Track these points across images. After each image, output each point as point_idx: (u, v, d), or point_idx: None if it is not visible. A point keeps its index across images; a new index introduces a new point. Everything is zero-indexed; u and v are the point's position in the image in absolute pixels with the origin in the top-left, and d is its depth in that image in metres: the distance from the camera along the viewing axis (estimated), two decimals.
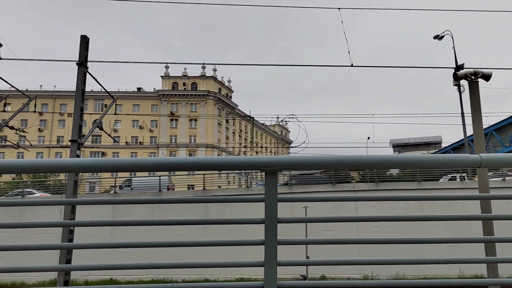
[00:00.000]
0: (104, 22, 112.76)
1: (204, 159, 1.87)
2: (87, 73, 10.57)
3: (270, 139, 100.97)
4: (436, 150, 58.31)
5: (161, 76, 70.74)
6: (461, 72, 4.47)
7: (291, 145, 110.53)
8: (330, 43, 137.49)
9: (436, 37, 24.40)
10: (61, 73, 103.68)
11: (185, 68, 71.77)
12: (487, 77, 4.37)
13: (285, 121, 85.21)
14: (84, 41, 10.22)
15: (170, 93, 69.67)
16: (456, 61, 22.78)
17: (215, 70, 70.96)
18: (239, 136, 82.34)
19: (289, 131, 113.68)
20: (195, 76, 70.57)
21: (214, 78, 70.85)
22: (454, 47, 23.26)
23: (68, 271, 9.40)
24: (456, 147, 50.64)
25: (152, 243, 1.92)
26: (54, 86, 72.52)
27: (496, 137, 43.37)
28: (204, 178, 22.63)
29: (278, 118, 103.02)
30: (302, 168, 1.91)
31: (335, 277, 20.82)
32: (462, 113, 22.50)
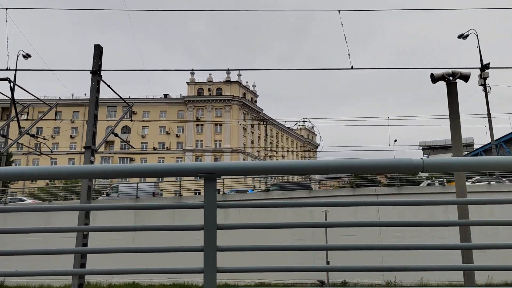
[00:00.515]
0: (135, 32, 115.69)
1: (146, 166, 1.91)
2: (101, 81, 10.88)
3: (296, 143, 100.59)
4: (468, 152, 56.53)
5: (186, 82, 71.85)
6: (438, 73, 4.35)
7: (317, 149, 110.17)
8: (354, 44, 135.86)
9: (460, 36, 23.78)
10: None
11: (210, 74, 72.62)
12: (465, 78, 4.23)
13: (309, 125, 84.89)
14: (98, 51, 10.55)
15: (196, 99, 70.59)
16: (481, 61, 22.15)
17: (239, 75, 71.47)
18: (265, 140, 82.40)
19: (316, 135, 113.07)
20: (220, 82, 71.27)
21: (238, 83, 71.35)
22: (479, 46, 22.60)
23: (83, 275, 9.69)
24: (487, 149, 48.95)
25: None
26: (85, 94, 74.77)
27: (504, 148, 41.94)
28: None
29: (304, 122, 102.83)
30: (241, 173, 1.93)
31: (357, 283, 20.50)
32: (489, 114, 21.82)
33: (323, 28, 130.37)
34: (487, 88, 21.99)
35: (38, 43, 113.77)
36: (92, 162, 10.62)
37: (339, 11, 15.29)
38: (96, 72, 10.38)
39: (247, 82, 76.48)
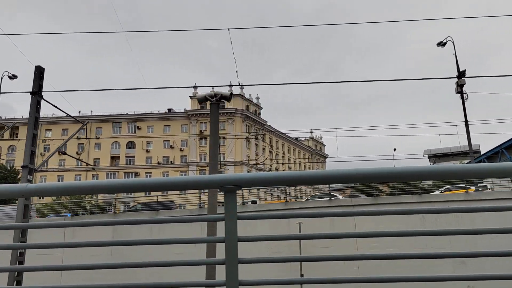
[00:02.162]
0: (154, 51, 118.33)
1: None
2: (40, 101, 11.14)
3: (304, 154, 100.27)
4: (469, 160, 55.52)
5: (189, 96, 72.60)
6: (201, 95, 4.38)
7: (326, 159, 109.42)
8: (370, 55, 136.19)
9: (439, 44, 23.65)
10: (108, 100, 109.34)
11: (212, 88, 73.21)
12: (226, 98, 4.24)
13: (317, 135, 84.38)
14: (39, 72, 10.82)
15: (198, 113, 71.20)
16: (458, 68, 21.98)
17: (242, 88, 71.88)
18: (270, 152, 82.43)
19: (324, 145, 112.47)
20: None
21: (241, 96, 71.80)
22: (455, 54, 22.44)
23: None
24: (490, 156, 48.01)
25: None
26: (91, 111, 76.21)
27: (506, 155, 41.05)
28: (200, 196, 22.85)
29: (311, 132, 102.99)
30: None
31: None
32: (466, 122, 21.54)
33: (340, 40, 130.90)
34: (465, 95, 21.76)
35: (51, 65, 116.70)
36: (30, 181, 10.81)
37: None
38: (36, 93, 10.63)
39: (250, 94, 76.91)
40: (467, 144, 60.10)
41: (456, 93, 21.76)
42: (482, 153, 53.97)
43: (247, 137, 67.24)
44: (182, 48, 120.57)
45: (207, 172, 69.01)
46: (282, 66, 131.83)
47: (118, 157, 73.32)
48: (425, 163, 75.02)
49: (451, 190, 22.38)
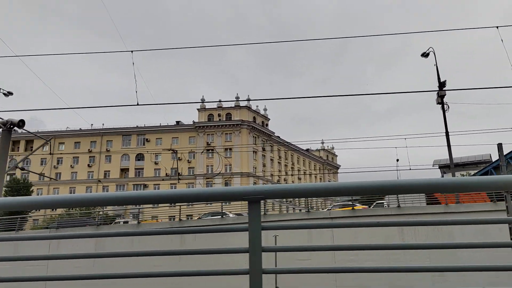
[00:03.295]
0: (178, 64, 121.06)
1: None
2: None
3: (314, 164, 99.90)
4: (478, 170, 54.46)
5: (197, 108, 73.59)
6: None
7: (338, 170, 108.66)
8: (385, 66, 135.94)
9: (423, 54, 23.66)
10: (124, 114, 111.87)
11: (219, 100, 74.10)
12: (18, 125, 4.48)
13: (329, 146, 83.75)
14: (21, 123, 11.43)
15: (206, 125, 72.04)
16: (439, 79, 21.96)
17: (248, 100, 72.50)
18: (278, 163, 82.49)
19: (336, 155, 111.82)
20: (229, 107, 72.56)
21: (247, 107, 72.38)
22: (436, 65, 22.43)
23: None
24: (496, 167, 47.06)
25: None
26: (103, 124, 77.92)
27: None
28: (180, 209, 23.22)
29: (323, 143, 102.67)
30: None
31: None
32: (447, 132, 21.43)
33: (360, 52, 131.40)
34: (445, 106, 21.69)
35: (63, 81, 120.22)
36: None
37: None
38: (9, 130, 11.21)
39: (257, 106, 77.44)
40: (482, 153, 58.67)
41: (437, 104, 21.71)
42: (489, 163, 52.91)
43: (254, 149, 67.58)
44: (206, 61, 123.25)
45: (214, 184, 69.51)
46: (301, 76, 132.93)
47: (128, 169, 74.55)
48: (435, 174, 73.84)
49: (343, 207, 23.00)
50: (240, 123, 71.28)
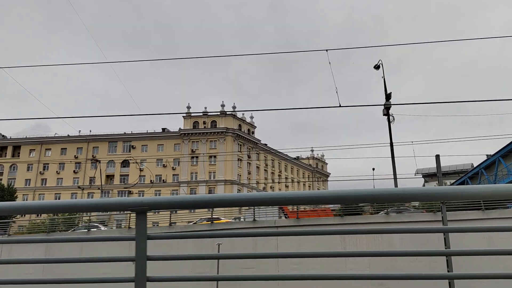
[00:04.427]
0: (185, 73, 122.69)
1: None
2: None
3: (303, 172, 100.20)
4: (457, 179, 54.90)
5: (182, 116, 74.05)
6: None
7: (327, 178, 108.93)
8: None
9: (375, 67, 24.17)
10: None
11: (205, 107, 74.67)
12: None
13: (318, 154, 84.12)
14: None
15: (191, 132, 72.51)
16: (385, 90, 22.43)
17: (234, 107, 73.03)
18: (265, 170, 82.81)
19: (326, 163, 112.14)
20: (214, 114, 73.05)
21: (233, 115, 72.83)
22: (384, 77, 22.92)
23: None
24: (472, 176, 47.44)
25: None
26: (90, 131, 78.37)
27: (485, 175, 40.54)
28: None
29: (312, 151, 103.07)
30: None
31: None
32: (391, 143, 21.84)
33: (362, 62, 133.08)
34: (391, 118, 22.12)
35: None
36: None
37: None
38: None
39: (243, 114, 77.93)
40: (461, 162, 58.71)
41: (383, 115, 22.14)
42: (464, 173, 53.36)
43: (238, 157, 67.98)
44: (212, 69, 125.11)
45: (198, 190, 69.83)
46: (305, 85, 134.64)
47: (113, 176, 74.88)
48: (418, 183, 74.26)
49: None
50: (225, 130, 71.75)
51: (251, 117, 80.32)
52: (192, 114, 74.11)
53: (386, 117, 22.13)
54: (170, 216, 23.46)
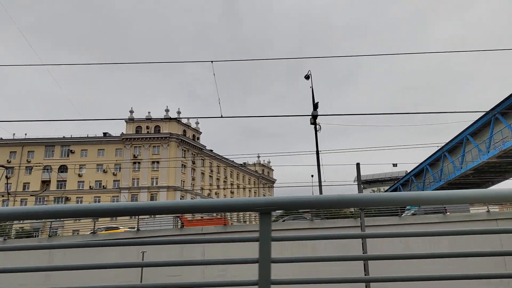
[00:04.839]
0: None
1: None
2: None
3: (249, 178, 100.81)
4: (391, 186, 57.56)
5: (125, 120, 72.19)
6: None
7: (274, 184, 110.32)
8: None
9: (305, 77, 24.86)
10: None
11: (149, 112, 73.29)
12: None
13: (265, 160, 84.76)
14: None
15: (133, 137, 70.82)
16: (313, 100, 23.10)
17: (179, 112, 72.20)
18: (210, 176, 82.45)
19: (273, 170, 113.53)
20: (158, 119, 71.83)
21: (177, 120, 71.91)
22: (312, 87, 23.62)
23: None
24: (404, 183, 49.99)
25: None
26: (25, 134, 74.37)
27: (414, 182, 42.99)
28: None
29: (258, 157, 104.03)
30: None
31: None
32: (317, 151, 22.53)
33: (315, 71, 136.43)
34: (317, 126, 22.84)
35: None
36: None
37: (211, 61, 15.89)
38: None
39: (188, 119, 77.28)
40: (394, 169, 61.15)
41: (311, 124, 22.81)
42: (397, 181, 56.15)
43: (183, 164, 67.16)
44: (165, 74, 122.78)
45: (139, 197, 68.18)
46: (261, 93, 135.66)
47: (50, 182, 71.44)
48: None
49: None
50: (168, 136, 70.73)
51: (197, 123, 79.80)
52: (136, 119, 72.43)
53: (313, 126, 22.82)
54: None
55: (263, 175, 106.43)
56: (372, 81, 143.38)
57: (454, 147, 34.35)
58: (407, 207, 27.73)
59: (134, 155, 70.18)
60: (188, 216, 22.94)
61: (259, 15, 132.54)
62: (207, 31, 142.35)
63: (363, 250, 18.95)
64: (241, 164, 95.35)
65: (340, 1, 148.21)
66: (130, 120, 72.24)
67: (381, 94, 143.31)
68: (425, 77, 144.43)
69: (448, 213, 20.60)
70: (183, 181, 72.12)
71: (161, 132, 71.68)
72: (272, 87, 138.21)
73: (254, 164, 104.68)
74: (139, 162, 69.66)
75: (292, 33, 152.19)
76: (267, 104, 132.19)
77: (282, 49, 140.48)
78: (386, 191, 55.12)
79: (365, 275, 17.67)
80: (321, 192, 22.10)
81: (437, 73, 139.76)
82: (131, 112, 73.02)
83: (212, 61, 16.70)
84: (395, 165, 32.56)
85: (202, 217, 22.81)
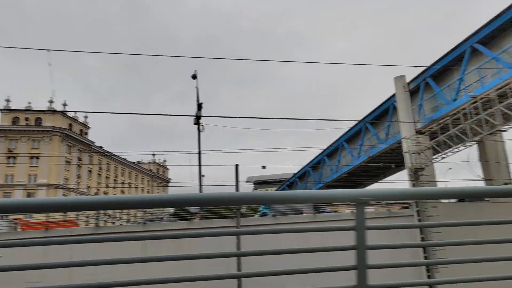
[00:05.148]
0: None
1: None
2: None
3: (142, 177, 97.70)
4: (279, 186, 60.23)
5: (0, 109, 64.86)
6: None
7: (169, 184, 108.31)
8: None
9: (192, 76, 24.72)
10: None
11: (29, 102, 66.78)
12: None
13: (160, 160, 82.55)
14: None
15: (9, 129, 63.90)
16: (198, 100, 23.09)
17: (65, 105, 66.89)
18: (98, 174, 77.95)
19: (168, 169, 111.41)
20: (40, 111, 65.81)
21: (62, 113, 66.47)
22: (197, 87, 23.62)
23: None
24: (290, 184, 52.74)
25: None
26: None
27: (298, 183, 45.71)
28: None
29: (153, 155, 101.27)
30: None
31: None
32: (199, 152, 22.59)
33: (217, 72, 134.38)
34: (201, 127, 22.89)
35: None
36: None
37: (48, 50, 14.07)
38: None
39: (75, 113, 72.12)
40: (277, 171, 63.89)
41: (194, 124, 22.78)
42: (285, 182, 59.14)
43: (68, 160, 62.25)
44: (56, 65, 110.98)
45: (14, 195, 61.70)
46: (161, 91, 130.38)
47: None
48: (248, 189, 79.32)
49: None
50: (51, 129, 65.11)
51: (85, 117, 74.81)
52: (13, 109, 65.46)
53: (196, 126, 22.85)
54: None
55: (157, 174, 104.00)
56: (272, 86, 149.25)
57: (332, 152, 37.12)
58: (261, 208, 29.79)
59: (9, 149, 63.29)
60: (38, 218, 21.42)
61: (167, 11, 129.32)
62: (107, 21, 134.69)
63: (237, 247, 19.47)
64: (133, 163, 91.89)
65: (249, 6, 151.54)
66: (5, 110, 65.06)
67: (279, 99, 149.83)
68: (322, 85, 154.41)
69: (304, 214, 21.95)
70: (67, 179, 67.03)
71: (42, 124, 65.72)
72: (174, 85, 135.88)
73: (149, 163, 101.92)
74: (14, 157, 63.03)
75: (198, 33, 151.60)
76: (168, 102, 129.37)
77: (188, 47, 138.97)
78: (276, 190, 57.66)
79: (237, 270, 18.17)
80: (201, 191, 22.20)
81: (336, 81, 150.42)
82: (8, 101, 65.82)
83: (48, 50, 15.54)
84: (263, 167, 35.06)
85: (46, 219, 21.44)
